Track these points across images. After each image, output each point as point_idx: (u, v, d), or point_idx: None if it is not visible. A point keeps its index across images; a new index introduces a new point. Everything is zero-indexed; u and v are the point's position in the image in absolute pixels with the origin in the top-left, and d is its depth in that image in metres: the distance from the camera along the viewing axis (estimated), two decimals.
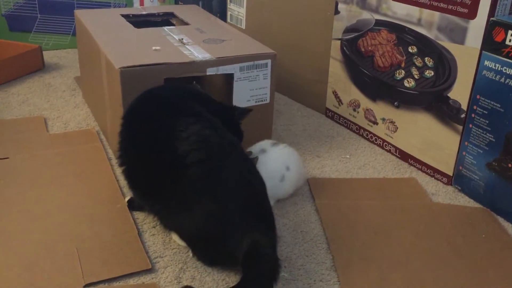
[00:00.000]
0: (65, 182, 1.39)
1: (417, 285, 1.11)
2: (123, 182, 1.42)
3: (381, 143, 1.72)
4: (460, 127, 1.43)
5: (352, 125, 1.82)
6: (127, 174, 1.18)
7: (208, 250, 1.11)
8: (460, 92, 1.41)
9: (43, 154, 1.52)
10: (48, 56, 2.39)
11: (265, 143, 1.39)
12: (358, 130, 1.80)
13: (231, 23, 2.31)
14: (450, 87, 1.44)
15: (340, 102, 1.86)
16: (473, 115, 1.39)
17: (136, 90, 1.34)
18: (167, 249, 1.19)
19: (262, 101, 1.57)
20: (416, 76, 1.53)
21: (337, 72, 1.82)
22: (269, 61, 1.52)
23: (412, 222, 1.32)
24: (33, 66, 2.21)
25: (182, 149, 1.07)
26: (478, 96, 1.36)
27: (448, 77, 1.43)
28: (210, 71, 1.44)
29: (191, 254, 1.17)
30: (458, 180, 1.48)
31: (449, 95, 1.44)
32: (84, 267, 1.09)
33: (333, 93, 1.88)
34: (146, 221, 1.28)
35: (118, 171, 1.45)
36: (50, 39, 2.53)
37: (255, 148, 1.38)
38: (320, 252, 1.21)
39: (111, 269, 1.09)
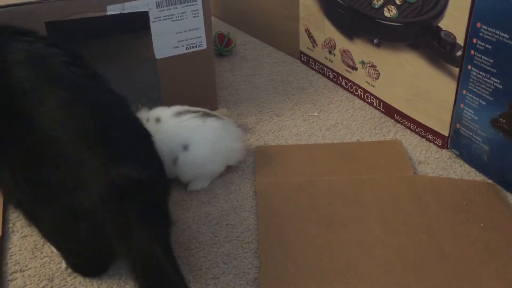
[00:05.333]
0: None
1: None
2: None
3: (361, 94, 1.33)
4: (456, 70, 1.03)
5: (329, 72, 1.43)
6: None
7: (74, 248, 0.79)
8: (454, 21, 1.00)
9: None
10: None
11: (168, 111, 1.04)
12: (336, 78, 1.41)
13: None
14: (441, 13, 1.02)
15: (314, 43, 1.46)
16: (472, 52, 0.98)
17: None
18: (36, 258, 0.88)
19: (196, 47, 1.20)
20: (398, 2, 1.12)
21: (308, 4, 1.41)
22: None
23: (384, 207, 0.95)
24: None
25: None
26: (478, 25, 0.95)
27: (438, 0, 1.02)
28: (112, 9, 1.08)
29: (63, 265, 0.86)
30: (455, 142, 1.09)
31: (440, 25, 1.03)
32: None
33: (306, 31, 1.48)
34: (22, 216, 0.97)
35: None
36: None
37: (152, 114, 1.03)
38: (244, 257, 0.88)
39: None
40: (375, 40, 1.21)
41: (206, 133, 1.01)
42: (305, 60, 1.53)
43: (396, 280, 0.81)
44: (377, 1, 1.17)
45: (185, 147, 0.99)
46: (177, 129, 1.00)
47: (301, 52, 1.53)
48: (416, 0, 1.07)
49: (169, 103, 1.11)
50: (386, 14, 1.16)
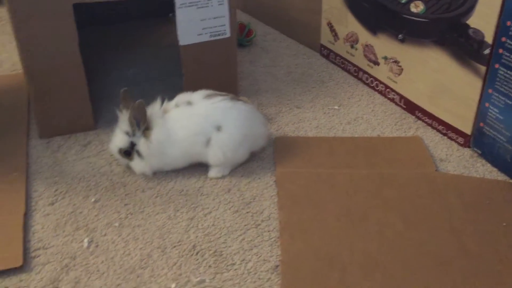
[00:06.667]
0: None
1: None
2: (34, 146, 1.12)
3: (382, 89, 1.32)
4: (483, 68, 1.02)
5: (350, 66, 1.43)
6: None
7: None
8: (483, 18, 0.99)
9: None
10: None
11: (197, 94, 1.04)
12: (357, 73, 1.40)
13: None
14: (470, 11, 1.01)
15: (336, 36, 1.45)
16: (500, 51, 0.97)
17: (34, 18, 1.01)
18: (58, 236, 0.88)
19: (219, 35, 1.20)
20: None
21: None
22: None
23: (404, 203, 0.95)
24: None
25: None
26: (508, 23, 0.94)
27: None
28: None
29: (85, 244, 0.86)
30: (478, 141, 1.08)
31: (468, 22, 1.02)
32: None
33: (327, 25, 1.47)
34: (45, 195, 0.98)
35: (34, 131, 1.16)
36: None
37: (180, 99, 1.03)
38: (265, 245, 0.88)
39: None
40: (400, 36, 1.21)
41: (237, 115, 1.01)
42: (325, 53, 1.52)
43: (417, 275, 0.81)
44: None
45: (218, 128, 0.99)
46: (210, 110, 1.00)
47: (322, 45, 1.53)
48: None
49: (189, 90, 1.11)
50: (413, 9, 1.15)
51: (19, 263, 0.81)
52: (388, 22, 1.23)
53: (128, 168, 1.04)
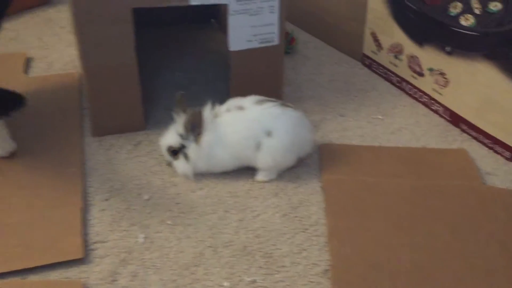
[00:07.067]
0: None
1: None
2: (88, 144, 1.16)
3: (426, 100, 1.33)
4: None
5: (393, 77, 1.44)
6: None
7: None
8: None
9: None
10: None
11: (248, 99, 1.07)
12: (400, 83, 1.41)
13: None
14: None
15: (379, 46, 1.47)
16: None
17: (95, 21, 1.06)
18: (114, 231, 0.92)
19: (268, 42, 1.23)
20: (477, 11, 1.12)
21: (377, 8, 1.42)
22: None
23: (452, 214, 0.96)
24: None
25: None
26: None
27: None
28: (195, 1, 1.11)
29: (140, 239, 0.90)
30: None
31: None
32: (0, 251, 0.85)
33: (371, 34, 1.48)
34: (100, 191, 1.01)
35: (86, 129, 1.20)
36: None
37: (231, 104, 1.06)
38: (314, 249, 0.90)
39: (29, 256, 0.84)
40: (448, 48, 1.22)
41: (287, 121, 1.04)
42: (367, 63, 1.54)
43: (465, 286, 0.82)
44: (453, 9, 1.18)
45: (269, 133, 1.02)
46: (261, 116, 1.03)
47: (364, 55, 1.54)
48: (498, 10, 1.07)
49: (235, 95, 1.14)
50: (463, 22, 1.16)
51: (80, 255, 0.85)
52: (436, 34, 1.24)
53: (169, 165, 1.08)
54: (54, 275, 0.83)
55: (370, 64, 1.52)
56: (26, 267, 0.82)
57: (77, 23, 1.06)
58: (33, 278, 0.82)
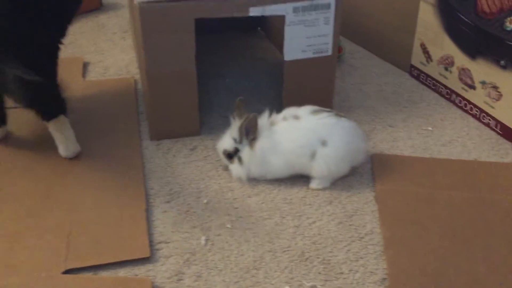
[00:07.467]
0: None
1: None
2: (146, 147, 1.21)
3: (477, 113, 1.33)
4: None
5: (442, 88, 1.44)
6: None
7: None
8: None
9: None
10: None
11: (304, 109, 1.09)
12: (449, 95, 1.42)
13: None
14: None
15: (429, 58, 1.47)
16: None
17: (159, 31, 1.10)
18: (177, 232, 0.96)
19: (321, 52, 1.25)
20: None
21: (427, 19, 1.43)
22: (332, 0, 1.18)
23: (508, 228, 0.97)
24: (89, 5, 2.04)
25: None
26: None
27: None
28: (254, 11, 1.15)
29: (202, 241, 0.93)
30: None
31: None
32: (72, 247, 0.90)
33: (421, 46, 1.49)
34: (161, 193, 1.06)
35: (143, 133, 1.24)
36: None
37: (287, 113, 1.09)
38: (370, 258, 0.92)
39: (100, 254, 0.89)
40: (502, 62, 1.22)
41: (342, 131, 1.06)
42: (415, 74, 1.55)
43: None
44: (510, 23, 1.18)
45: (324, 143, 1.04)
46: (317, 125, 1.06)
47: (412, 66, 1.55)
48: None
49: (287, 103, 1.17)
50: None
51: (147, 254, 0.89)
52: (490, 48, 1.25)
53: (225, 169, 1.11)
54: (123, 272, 0.87)
55: (418, 75, 1.53)
56: (98, 263, 0.87)
57: (144, 32, 1.11)
58: (103, 274, 0.87)
